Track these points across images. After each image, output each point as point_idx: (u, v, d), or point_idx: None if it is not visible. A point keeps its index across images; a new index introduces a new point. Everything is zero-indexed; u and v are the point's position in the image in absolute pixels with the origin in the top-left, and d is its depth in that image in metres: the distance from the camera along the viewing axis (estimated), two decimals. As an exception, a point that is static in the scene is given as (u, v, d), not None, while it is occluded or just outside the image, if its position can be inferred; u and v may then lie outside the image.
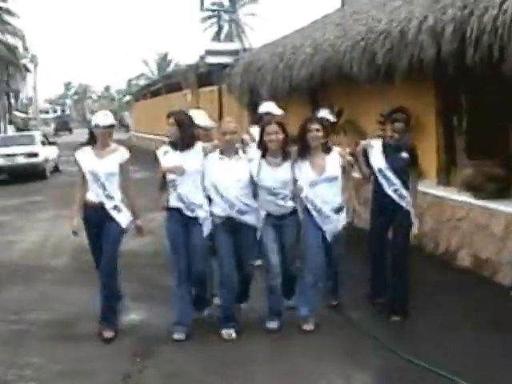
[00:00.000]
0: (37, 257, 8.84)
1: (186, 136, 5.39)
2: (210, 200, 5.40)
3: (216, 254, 5.51)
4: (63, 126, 59.24)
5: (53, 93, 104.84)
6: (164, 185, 5.46)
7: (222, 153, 5.41)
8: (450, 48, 6.60)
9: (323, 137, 5.46)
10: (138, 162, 16.12)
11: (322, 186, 5.41)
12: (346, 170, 5.55)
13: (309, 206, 5.44)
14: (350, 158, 5.67)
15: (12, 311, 6.45)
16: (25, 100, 56.75)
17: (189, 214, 5.35)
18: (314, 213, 5.43)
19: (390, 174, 5.68)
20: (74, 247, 5.62)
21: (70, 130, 57.38)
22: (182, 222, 5.37)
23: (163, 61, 72.73)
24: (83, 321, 5.84)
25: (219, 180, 5.31)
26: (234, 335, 5.37)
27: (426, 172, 8.13)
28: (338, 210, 5.47)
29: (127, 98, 56.29)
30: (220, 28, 47.78)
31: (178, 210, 5.37)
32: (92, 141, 5.68)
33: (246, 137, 5.81)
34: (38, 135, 21.99)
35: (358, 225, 7.77)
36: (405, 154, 5.72)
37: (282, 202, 5.45)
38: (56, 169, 21.30)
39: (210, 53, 17.59)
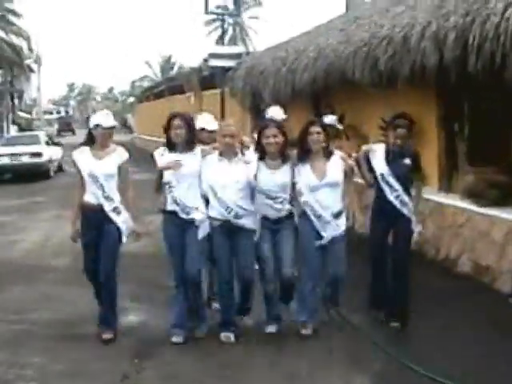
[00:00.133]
0: (38, 257, 8.87)
1: (190, 138, 5.31)
2: (207, 203, 5.32)
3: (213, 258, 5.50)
4: (66, 126, 59.31)
5: (56, 93, 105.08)
6: (160, 187, 5.39)
7: (220, 155, 5.33)
8: (453, 55, 6.62)
9: (324, 140, 5.38)
10: (140, 163, 16.17)
11: (323, 191, 5.32)
12: (347, 175, 5.46)
13: (308, 211, 5.36)
14: (351, 162, 5.59)
15: (13, 311, 6.47)
16: (28, 100, 56.76)
17: (184, 216, 5.25)
18: (313, 218, 5.34)
19: (391, 179, 5.61)
20: (75, 248, 5.64)
21: (73, 131, 57.41)
22: (178, 224, 5.28)
23: (167, 63, 72.76)
24: (84, 321, 5.85)
25: (217, 181, 5.23)
26: (232, 339, 5.38)
27: (427, 178, 8.14)
28: (337, 215, 5.37)
29: (130, 99, 56.37)
30: (224, 31, 47.84)
31: (174, 213, 5.28)
32: (90, 141, 5.59)
33: (245, 139, 5.70)
34: (42, 135, 22.34)
35: (358, 230, 7.77)
36: (407, 161, 5.66)
37: (279, 206, 5.37)
38: (60, 169, 21.43)
39: (213, 56, 17.64)
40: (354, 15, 11.43)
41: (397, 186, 5.61)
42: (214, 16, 53.78)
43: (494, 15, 6.03)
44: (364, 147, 5.99)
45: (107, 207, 5.44)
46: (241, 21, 60.10)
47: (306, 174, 5.36)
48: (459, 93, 7.92)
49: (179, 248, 5.29)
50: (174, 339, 5.37)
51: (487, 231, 7.01)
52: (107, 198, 5.44)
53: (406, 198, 5.63)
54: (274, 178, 5.33)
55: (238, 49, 20.74)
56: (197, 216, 5.23)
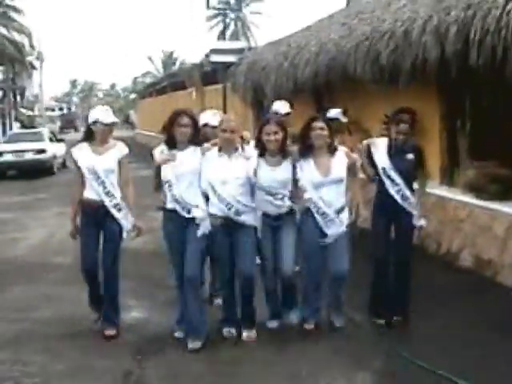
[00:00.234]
0: (40, 255, 8.88)
1: (195, 137, 5.23)
2: (208, 200, 5.23)
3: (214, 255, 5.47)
4: (69, 123, 59.35)
5: (59, 90, 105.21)
6: (159, 185, 5.30)
7: (220, 150, 5.23)
8: (454, 49, 6.62)
9: (328, 136, 5.26)
10: (142, 159, 16.17)
11: (328, 188, 5.22)
12: (351, 171, 5.36)
13: (312, 208, 5.26)
14: (355, 156, 5.48)
15: (15, 309, 6.48)
16: (31, 97, 56.81)
17: (185, 214, 5.14)
18: (316, 215, 5.25)
19: (393, 173, 5.52)
20: (77, 246, 5.64)
21: (75, 128, 57.43)
22: (178, 222, 5.18)
23: (169, 59, 72.80)
24: (85, 319, 5.84)
25: (217, 178, 5.12)
26: (234, 334, 5.39)
27: (429, 172, 8.13)
28: (339, 211, 5.28)
29: (132, 95, 56.40)
30: (226, 26, 47.83)
31: (175, 211, 5.17)
32: (89, 137, 5.51)
33: (246, 134, 5.63)
34: (46, 132, 22.68)
35: (360, 224, 7.78)
36: (410, 156, 5.57)
37: (280, 203, 5.30)
38: (64, 165, 21.52)
39: (214, 51, 17.65)
40: (355, 9, 11.41)
41: (398, 180, 5.52)
42: (216, 11, 54.01)
43: (496, 9, 6.02)
44: (366, 141, 5.90)
45: (108, 203, 5.39)
46: (243, 16, 60.14)
47: (309, 170, 5.25)
48: (461, 88, 7.90)
49: (179, 246, 5.21)
50: (177, 334, 5.38)
51: (489, 225, 7.00)
52: (108, 194, 5.38)
53: (407, 193, 5.55)
54: (274, 174, 5.26)
55: (240, 44, 20.74)
56: (197, 214, 5.14)
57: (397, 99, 8.37)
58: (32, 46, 43.58)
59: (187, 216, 5.14)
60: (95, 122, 5.40)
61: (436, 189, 8.20)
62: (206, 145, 5.30)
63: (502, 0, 6.01)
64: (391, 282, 5.66)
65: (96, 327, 5.63)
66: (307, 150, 5.28)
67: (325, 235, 5.27)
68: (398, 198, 5.56)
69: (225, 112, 16.37)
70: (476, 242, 7.22)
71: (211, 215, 5.19)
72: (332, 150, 5.29)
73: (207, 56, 18.94)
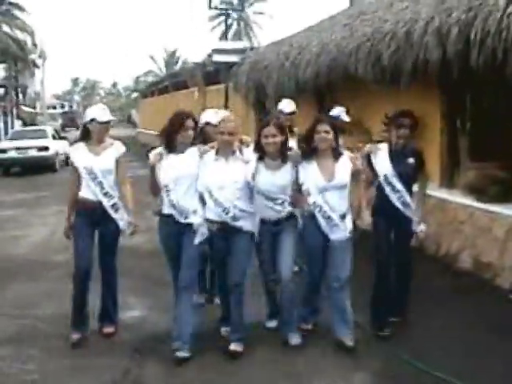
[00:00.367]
0: (42, 252, 8.90)
1: (195, 139, 5.18)
2: (204, 204, 5.09)
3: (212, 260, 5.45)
4: (70, 121, 59.29)
5: (60, 88, 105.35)
6: (156, 189, 5.16)
7: (217, 153, 5.09)
8: (455, 50, 6.62)
9: (333, 140, 5.11)
10: (143, 158, 16.18)
11: (331, 193, 5.07)
12: (355, 176, 5.19)
13: (317, 212, 5.10)
14: (359, 163, 5.26)
15: (16, 306, 6.51)
16: (33, 95, 56.88)
17: (182, 220, 5.03)
18: (321, 220, 5.10)
19: (395, 180, 5.44)
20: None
21: (76, 126, 57.40)
22: (175, 228, 5.06)
23: (171, 58, 72.80)
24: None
25: (213, 182, 4.98)
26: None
27: (429, 174, 8.13)
28: (343, 216, 5.12)
29: (134, 94, 56.44)
30: (228, 26, 47.70)
31: (171, 217, 5.06)
32: (86, 136, 5.44)
33: (246, 138, 5.47)
34: (49, 130, 23.13)
35: (362, 226, 7.77)
36: (411, 160, 5.49)
37: (280, 208, 5.16)
38: (66, 162, 21.61)
39: (216, 51, 17.64)
40: (357, 10, 11.41)
41: (399, 186, 5.45)
42: (219, 11, 54.00)
43: (496, 11, 6.02)
44: (367, 147, 5.73)
45: (106, 204, 5.34)
46: (245, 16, 60.12)
47: (313, 174, 5.10)
48: (462, 89, 7.91)
49: (175, 251, 5.11)
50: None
51: (488, 227, 7.01)
52: (106, 194, 5.33)
53: (408, 199, 5.48)
54: (274, 178, 5.11)
55: (242, 44, 20.71)
56: (195, 220, 5.03)
57: (398, 100, 8.39)
58: (34, 45, 43.66)
59: (184, 222, 5.04)
60: (91, 121, 5.34)
61: (436, 190, 8.20)
62: (203, 147, 5.18)
63: (503, 2, 6.02)
64: (392, 283, 5.59)
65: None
66: (311, 153, 5.15)
67: (327, 239, 5.14)
68: (398, 204, 5.48)
69: (226, 112, 16.38)
70: (476, 244, 7.23)
71: (208, 220, 5.07)
72: (336, 155, 5.15)
73: (209, 56, 18.95)
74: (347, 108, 10.31)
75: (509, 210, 6.83)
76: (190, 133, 5.07)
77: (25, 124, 38.17)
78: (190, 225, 5.04)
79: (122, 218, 5.43)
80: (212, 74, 20.39)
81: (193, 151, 5.09)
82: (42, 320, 6.01)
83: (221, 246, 5.14)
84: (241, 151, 5.13)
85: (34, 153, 20.30)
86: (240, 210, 5.02)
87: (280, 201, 5.15)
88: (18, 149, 20.45)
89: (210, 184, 5.01)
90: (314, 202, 5.09)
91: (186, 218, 5.03)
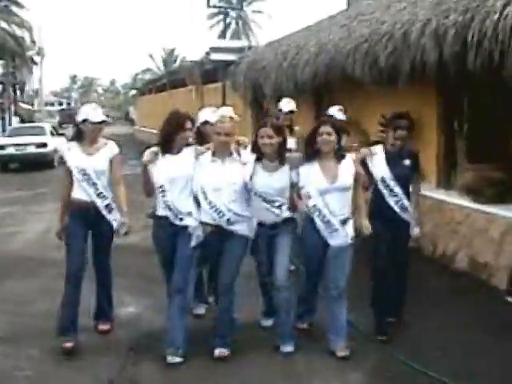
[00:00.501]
0: (39, 249, 8.90)
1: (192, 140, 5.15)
2: (199, 206, 4.98)
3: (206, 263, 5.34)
4: (67, 118, 59.11)
5: (58, 85, 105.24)
6: (150, 189, 5.05)
7: (213, 155, 4.99)
8: (452, 52, 6.63)
9: (336, 142, 5.00)
10: (140, 156, 16.17)
11: (333, 196, 4.94)
12: (356, 180, 5.07)
13: (316, 216, 4.99)
14: (359, 168, 5.18)
15: (12, 303, 6.53)
16: (30, 92, 56.79)
17: (177, 222, 4.94)
18: (320, 224, 4.98)
19: (393, 183, 5.39)
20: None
21: (74, 123, 57.21)
22: (170, 231, 4.98)
23: (169, 56, 72.77)
24: (82, 314, 5.85)
25: (209, 184, 4.89)
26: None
27: (426, 176, 8.16)
28: (345, 221, 5.00)
29: (133, 92, 56.38)
30: (226, 25, 47.68)
31: (166, 218, 4.97)
32: (79, 137, 5.34)
33: (243, 139, 5.42)
34: (47, 126, 23.31)
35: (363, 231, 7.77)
36: (407, 162, 5.46)
37: (277, 211, 5.05)
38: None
39: (214, 50, 17.65)
40: (355, 11, 11.42)
41: (397, 189, 5.39)
42: (217, 9, 53.98)
43: (493, 13, 6.04)
44: (362, 151, 5.60)
45: (100, 204, 5.26)
46: (244, 15, 60.11)
47: (315, 176, 4.98)
48: (459, 90, 7.94)
49: (169, 253, 5.03)
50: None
51: (485, 228, 7.03)
52: (100, 195, 5.25)
53: (405, 203, 5.43)
54: (271, 180, 5.00)
55: (240, 43, 20.73)
56: (190, 222, 4.94)
57: (395, 101, 8.41)
58: (33, 41, 43.60)
59: (179, 224, 4.95)
60: (84, 121, 5.25)
61: (433, 191, 8.24)
62: (199, 148, 5.11)
63: (500, 4, 6.04)
64: (390, 286, 5.51)
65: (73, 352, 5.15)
66: (314, 155, 5.04)
67: (327, 243, 5.02)
68: (396, 208, 5.42)
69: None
70: (472, 245, 7.25)
71: (202, 223, 4.98)
72: (339, 157, 5.04)
73: (207, 54, 18.96)
74: (345, 108, 10.35)
75: (505, 211, 6.85)
76: (189, 134, 5.06)
77: (22, 121, 38.14)
78: (184, 227, 4.95)
79: (115, 219, 5.36)
80: (210, 72, 20.39)
81: (188, 152, 5.01)
82: (38, 317, 6.02)
83: (214, 248, 5.02)
84: (238, 153, 5.04)
85: (32, 149, 20.49)
86: (235, 213, 4.91)
87: (277, 203, 5.04)
88: (16, 145, 20.70)
89: (205, 186, 4.91)
90: (314, 206, 4.97)
91: (180, 219, 4.94)
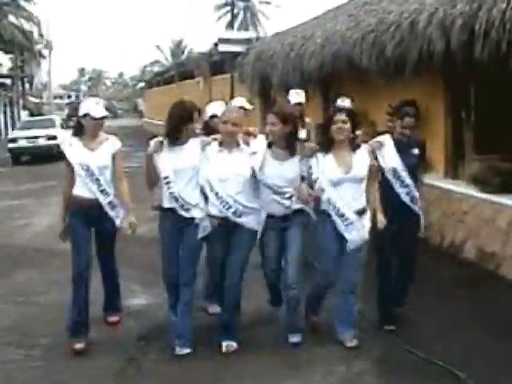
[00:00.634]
0: (48, 240, 8.92)
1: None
2: (206, 199, 4.87)
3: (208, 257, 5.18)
4: (76, 111, 59.19)
5: (67, 78, 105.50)
6: (151, 180, 4.94)
7: (221, 145, 4.86)
8: (459, 41, 6.62)
9: (351, 131, 4.83)
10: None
11: (347, 186, 4.79)
12: (371, 171, 4.93)
13: (330, 210, 4.82)
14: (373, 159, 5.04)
15: (21, 293, 6.60)
16: (39, 85, 56.93)
17: (184, 214, 4.82)
18: (335, 219, 4.82)
19: (404, 174, 5.22)
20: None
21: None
22: (176, 223, 4.87)
23: (177, 48, 72.65)
24: (92, 304, 5.90)
25: (215, 175, 4.77)
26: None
27: (433, 166, 8.18)
28: (361, 213, 4.86)
29: (141, 84, 56.43)
30: (234, 16, 47.55)
31: (172, 210, 4.85)
32: (79, 131, 5.21)
33: (252, 129, 5.27)
34: (57, 119, 23.56)
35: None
36: (416, 151, 5.30)
37: (287, 203, 4.86)
38: None
39: (222, 41, 17.65)
40: (362, 1, 11.40)
41: (408, 180, 5.23)
42: (224, 0, 53.94)
43: (501, 2, 6.03)
44: (371, 144, 5.35)
45: (103, 201, 5.11)
46: (251, 5, 59.89)
47: (329, 166, 4.81)
48: (466, 80, 7.92)
49: (174, 248, 4.94)
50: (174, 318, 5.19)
51: (492, 218, 7.03)
52: (103, 192, 5.10)
53: (416, 194, 5.28)
54: (282, 170, 4.82)
55: (248, 34, 20.71)
56: (197, 214, 4.83)
57: (403, 92, 8.39)
58: (41, 35, 43.66)
59: (186, 215, 4.84)
60: (85, 116, 5.11)
61: (440, 181, 8.24)
62: (205, 139, 5.00)
63: (507, -7, 6.02)
64: (396, 277, 5.47)
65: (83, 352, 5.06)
66: (328, 144, 4.87)
67: (342, 238, 4.87)
68: (406, 199, 5.28)
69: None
70: (479, 235, 7.26)
71: (209, 215, 4.87)
72: (354, 146, 4.88)
73: (215, 45, 18.96)
74: (352, 98, 10.34)
75: (512, 200, 6.86)
76: (197, 125, 4.98)
77: (31, 114, 38.27)
78: (191, 219, 4.85)
79: (118, 216, 5.23)
80: (218, 63, 20.40)
81: (195, 143, 4.89)
82: (47, 307, 6.09)
83: (219, 241, 4.91)
84: (247, 143, 4.93)
85: (43, 142, 20.90)
86: (242, 205, 4.79)
87: (288, 195, 4.85)
88: (27, 138, 21.29)
89: (211, 177, 4.79)
90: (328, 200, 4.82)
91: (187, 211, 4.83)
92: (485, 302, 6.01)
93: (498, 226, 6.93)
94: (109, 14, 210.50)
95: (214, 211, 4.85)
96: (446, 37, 6.86)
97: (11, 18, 38.99)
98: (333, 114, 4.88)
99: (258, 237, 5.02)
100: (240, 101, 6.39)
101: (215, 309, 5.43)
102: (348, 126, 4.79)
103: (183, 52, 69.32)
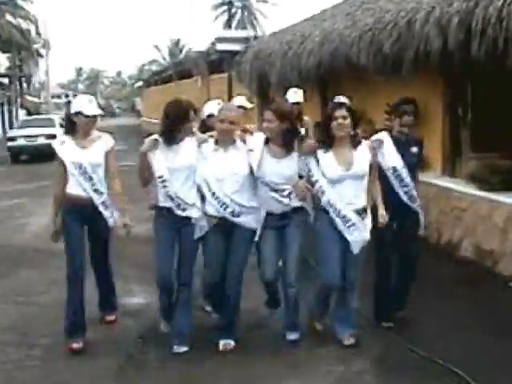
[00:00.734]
0: (46, 241, 8.88)
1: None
2: (203, 198, 4.82)
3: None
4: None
5: (65, 77, 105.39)
6: (145, 178, 4.89)
7: (216, 143, 4.82)
8: (456, 40, 6.64)
9: (352, 127, 4.76)
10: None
11: (348, 184, 4.72)
12: (372, 169, 4.88)
13: (331, 211, 4.75)
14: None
15: (21, 293, 6.61)
16: (37, 85, 56.88)
17: (180, 213, 4.76)
18: (336, 220, 4.75)
19: (404, 172, 5.16)
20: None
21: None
22: (172, 222, 4.80)
23: (175, 47, 72.60)
24: (89, 304, 5.90)
25: (211, 174, 4.72)
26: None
27: (431, 163, 8.20)
28: (362, 212, 4.79)
29: (139, 83, 56.42)
30: (231, 15, 47.49)
31: (168, 209, 4.79)
32: (72, 130, 5.11)
33: (249, 127, 5.24)
34: (56, 118, 23.55)
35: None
36: (415, 149, 5.26)
37: (285, 200, 4.80)
38: None
39: (220, 40, 17.67)
40: (359, 0, 11.40)
41: (408, 179, 5.18)
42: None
43: (497, 0, 6.03)
44: (370, 143, 5.17)
45: (97, 201, 5.03)
46: (249, 4, 59.83)
47: (329, 164, 4.74)
48: (463, 79, 7.95)
49: (171, 247, 4.87)
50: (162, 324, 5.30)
51: (489, 215, 7.05)
52: (97, 191, 5.03)
53: (414, 193, 5.23)
54: (280, 167, 4.76)
55: (245, 33, 20.73)
56: (193, 214, 4.78)
57: (400, 90, 8.39)
58: (38, 34, 43.56)
59: (182, 215, 4.78)
60: (77, 114, 4.99)
61: (438, 179, 8.27)
62: (201, 136, 4.95)
63: (504, -9, 6.03)
64: (395, 276, 5.43)
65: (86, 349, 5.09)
66: (329, 141, 4.80)
67: (342, 238, 4.81)
68: (405, 198, 5.23)
69: (229, 101, 16.41)
70: (477, 232, 7.28)
71: (207, 215, 4.82)
72: (355, 143, 4.81)
73: (213, 44, 18.97)
74: (350, 97, 10.32)
75: (509, 198, 6.87)
76: (193, 124, 4.93)
77: (29, 113, 38.24)
78: (188, 218, 4.79)
79: (111, 216, 5.15)
80: (216, 62, 20.41)
81: (191, 141, 4.84)
82: (46, 307, 6.09)
83: (217, 241, 4.85)
84: (244, 141, 4.87)
85: (42, 140, 20.88)
86: (239, 204, 4.74)
87: (286, 192, 4.79)
88: (26, 137, 21.57)
89: (208, 176, 4.74)
90: (329, 201, 4.75)
91: (183, 210, 4.77)
92: (484, 301, 6.01)
93: (495, 223, 6.95)
94: (107, 13, 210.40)
95: (211, 211, 4.80)
96: (442, 35, 6.88)
97: (8, 17, 38.96)
98: (332, 110, 4.78)
99: (258, 235, 4.92)
100: (240, 100, 6.41)
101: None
102: (348, 121, 4.71)
103: (181, 51, 69.25)
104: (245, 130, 5.04)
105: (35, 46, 43.62)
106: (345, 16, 10.54)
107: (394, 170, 5.18)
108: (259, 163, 4.77)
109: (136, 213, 5.50)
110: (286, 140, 4.80)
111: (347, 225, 4.75)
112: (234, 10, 57.74)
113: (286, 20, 73.73)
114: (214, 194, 4.74)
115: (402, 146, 5.22)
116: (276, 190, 4.80)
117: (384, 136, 5.26)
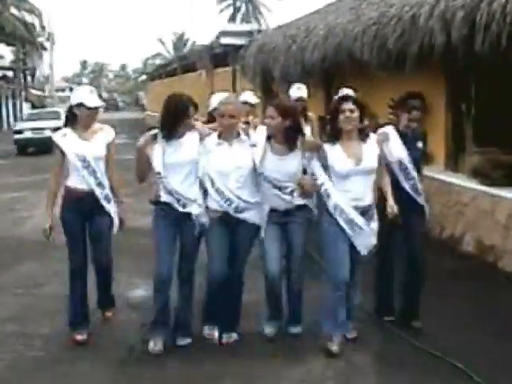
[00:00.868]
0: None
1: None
2: (206, 193, 4.74)
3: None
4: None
5: (69, 71, 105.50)
6: (141, 173, 4.79)
7: (219, 137, 4.73)
8: (460, 34, 6.62)
9: (360, 120, 4.62)
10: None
11: (357, 179, 4.59)
12: (380, 163, 4.76)
13: (337, 216, 4.61)
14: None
15: (22, 285, 6.63)
16: (41, 78, 56.88)
17: (180, 209, 4.67)
18: (343, 224, 4.61)
19: (410, 167, 5.09)
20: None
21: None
22: (172, 218, 4.71)
23: (179, 40, 72.60)
24: (90, 296, 5.93)
25: (215, 169, 4.64)
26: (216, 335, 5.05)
27: (434, 157, 8.19)
28: (367, 211, 4.67)
29: (143, 77, 56.43)
30: (236, 9, 47.44)
31: (168, 205, 4.69)
32: (72, 121, 5.03)
33: (251, 119, 5.25)
34: (62, 111, 23.41)
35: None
36: (420, 144, 5.22)
37: (288, 198, 4.75)
38: None
39: (224, 34, 17.64)
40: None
41: (413, 173, 5.11)
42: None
43: (502, -5, 6.02)
44: (376, 138, 5.03)
45: (99, 195, 4.96)
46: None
47: (338, 157, 4.60)
48: (467, 74, 7.93)
49: (171, 243, 4.78)
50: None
51: (492, 210, 7.05)
52: (100, 184, 4.95)
53: (420, 187, 5.18)
54: (282, 165, 4.70)
55: (250, 26, 20.70)
56: (194, 210, 4.70)
57: (403, 84, 8.38)
58: (43, 27, 43.52)
59: (182, 210, 4.69)
60: (79, 105, 4.92)
61: (441, 173, 8.26)
62: (204, 129, 4.84)
63: (508, -14, 6.01)
64: (400, 281, 5.36)
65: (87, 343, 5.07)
66: (336, 135, 4.66)
67: (346, 236, 4.68)
68: (411, 191, 5.17)
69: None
70: (479, 227, 7.28)
71: (209, 210, 4.74)
72: (363, 136, 4.68)
73: (218, 38, 18.94)
74: (355, 89, 10.29)
75: (511, 193, 6.86)
76: (192, 119, 4.73)
77: (34, 107, 38.31)
78: (188, 214, 4.71)
79: (114, 210, 5.10)
80: (220, 56, 20.37)
81: (193, 135, 4.74)
82: (47, 298, 6.12)
83: (219, 235, 4.76)
84: (248, 134, 4.79)
85: (48, 133, 20.94)
86: (243, 200, 4.67)
87: (289, 190, 4.74)
88: (33, 129, 21.97)
89: (211, 171, 4.66)
90: (335, 205, 4.60)
91: (184, 206, 4.68)
92: (485, 298, 5.99)
93: (497, 218, 6.95)
94: (111, 7, 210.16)
95: (214, 206, 4.73)
96: (446, 30, 6.85)
97: (13, 11, 38.88)
98: (338, 103, 4.65)
99: (262, 232, 4.86)
100: (247, 95, 6.37)
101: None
102: (356, 114, 4.57)
103: (185, 45, 69.30)
104: (246, 123, 5.01)
105: (39, 39, 43.56)
106: (348, 10, 10.51)
107: (400, 163, 5.11)
108: (261, 159, 4.71)
109: (137, 206, 5.49)
110: (288, 137, 4.73)
111: (355, 228, 4.64)
112: (238, 4, 57.66)
113: (290, 14, 73.58)
114: (218, 189, 4.66)
115: (408, 140, 5.16)
116: (279, 187, 4.75)
117: (390, 130, 5.20)
